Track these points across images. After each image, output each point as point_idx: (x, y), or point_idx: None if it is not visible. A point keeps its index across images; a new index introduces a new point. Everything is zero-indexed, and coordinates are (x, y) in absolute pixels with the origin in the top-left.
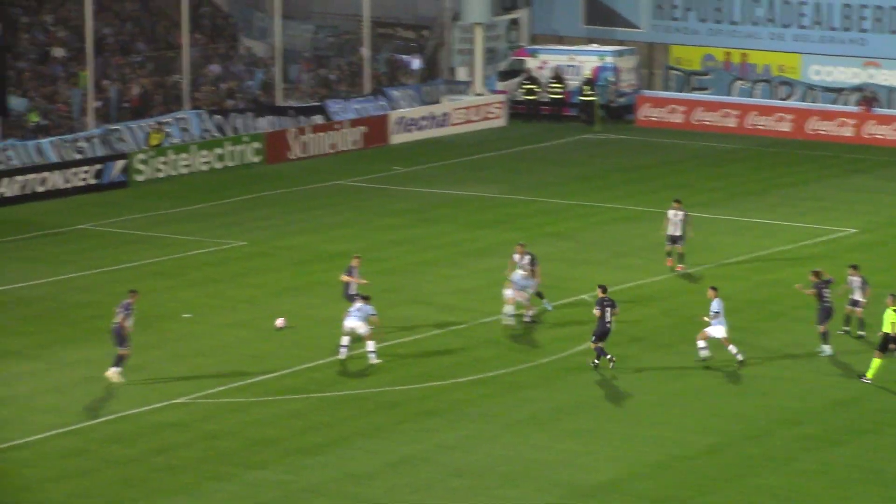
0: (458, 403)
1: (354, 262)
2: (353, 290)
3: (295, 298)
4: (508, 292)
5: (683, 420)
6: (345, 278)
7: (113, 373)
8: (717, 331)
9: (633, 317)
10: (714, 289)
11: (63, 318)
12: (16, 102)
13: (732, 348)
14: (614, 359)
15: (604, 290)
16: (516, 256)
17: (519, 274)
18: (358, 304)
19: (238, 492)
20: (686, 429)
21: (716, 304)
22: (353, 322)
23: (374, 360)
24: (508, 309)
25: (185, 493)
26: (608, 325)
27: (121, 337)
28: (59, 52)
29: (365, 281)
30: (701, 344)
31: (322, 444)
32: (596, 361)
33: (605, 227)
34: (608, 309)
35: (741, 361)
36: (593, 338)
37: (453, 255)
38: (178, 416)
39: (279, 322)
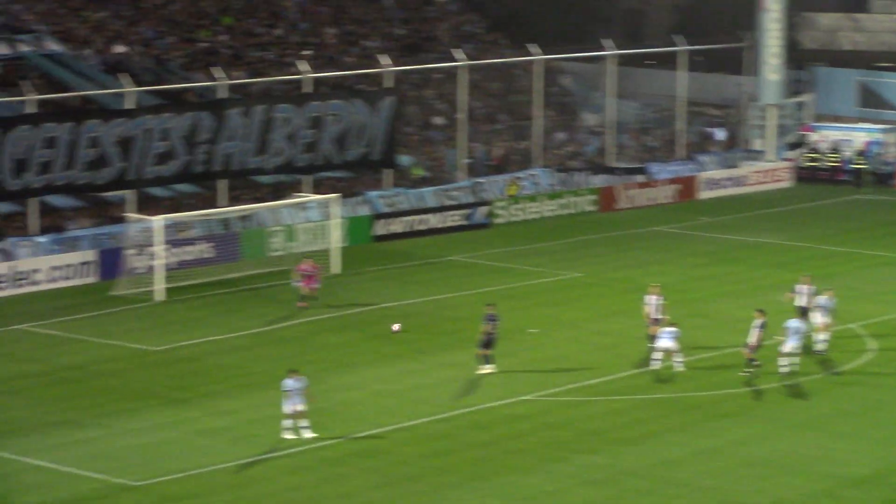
0: (748, 407)
1: (653, 291)
2: (657, 315)
3: (620, 320)
4: (818, 318)
5: None
6: (648, 309)
7: (488, 368)
8: None
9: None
10: None
11: (436, 329)
12: (404, 159)
13: None
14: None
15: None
16: (804, 287)
17: (823, 299)
18: (669, 329)
19: (572, 472)
20: None
21: None
22: (666, 342)
23: (679, 368)
24: (820, 336)
25: (529, 472)
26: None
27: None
28: (438, 120)
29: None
30: None
31: (639, 437)
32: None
33: (870, 271)
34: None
35: None
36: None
37: (747, 289)
38: (524, 410)
39: (395, 327)
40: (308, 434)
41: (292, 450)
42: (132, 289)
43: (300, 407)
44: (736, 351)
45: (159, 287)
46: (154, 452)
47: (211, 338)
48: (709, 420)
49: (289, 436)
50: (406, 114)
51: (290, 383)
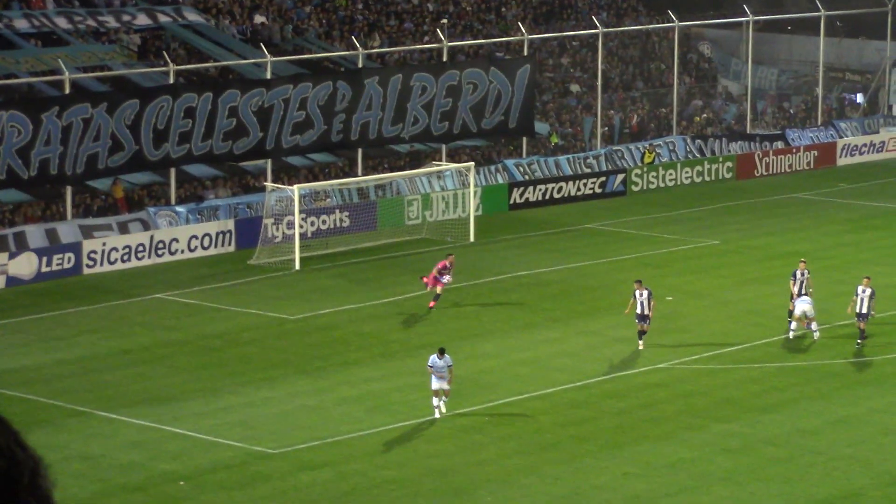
0: (886, 376)
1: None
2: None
3: (757, 287)
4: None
5: None
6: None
7: (640, 344)
8: None
9: None
10: None
11: (573, 297)
12: (540, 127)
13: None
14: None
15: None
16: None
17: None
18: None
19: (708, 440)
20: None
21: None
22: (802, 307)
23: (816, 336)
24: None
25: (665, 440)
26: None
27: (642, 316)
28: (575, 87)
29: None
30: None
31: (775, 405)
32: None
33: None
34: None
35: None
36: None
37: (885, 256)
38: (660, 378)
39: (448, 278)
40: (443, 410)
41: (429, 418)
42: (270, 258)
43: (445, 385)
44: (881, 316)
45: (296, 256)
46: (291, 420)
47: (347, 307)
48: (847, 388)
49: (437, 414)
50: (543, 82)
51: (435, 360)
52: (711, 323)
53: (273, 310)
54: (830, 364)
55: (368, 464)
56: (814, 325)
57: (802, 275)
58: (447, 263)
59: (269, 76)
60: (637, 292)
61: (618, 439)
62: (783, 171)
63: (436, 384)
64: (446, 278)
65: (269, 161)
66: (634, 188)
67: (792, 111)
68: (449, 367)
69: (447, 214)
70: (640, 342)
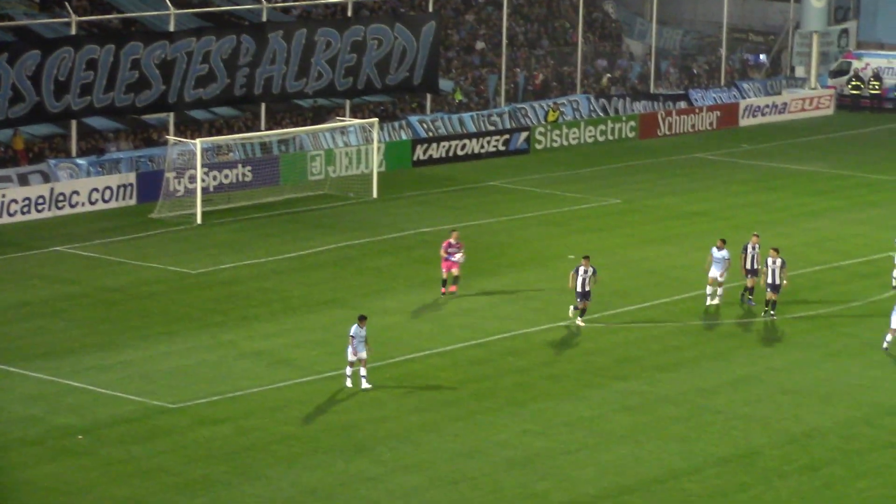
0: (786, 335)
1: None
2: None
3: (659, 247)
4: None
5: None
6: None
7: (579, 321)
8: None
9: None
10: None
11: (476, 255)
12: (444, 84)
13: None
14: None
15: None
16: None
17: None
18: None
19: (608, 398)
20: None
21: None
22: (717, 272)
23: (717, 301)
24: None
25: (566, 398)
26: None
27: (583, 292)
28: (479, 45)
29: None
30: None
31: (675, 364)
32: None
33: None
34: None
35: None
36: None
37: (787, 217)
38: (560, 336)
39: (459, 256)
40: (366, 385)
41: (328, 374)
42: (171, 212)
43: (363, 354)
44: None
45: (198, 210)
46: (192, 375)
47: (249, 262)
48: (745, 348)
49: (348, 383)
50: (448, 39)
51: (357, 330)
52: (612, 282)
53: (174, 264)
54: (730, 324)
55: (268, 419)
56: (720, 291)
57: (754, 249)
58: (451, 241)
59: (172, 29)
60: (582, 268)
61: (518, 397)
62: (686, 130)
63: (352, 356)
64: (457, 256)
65: (172, 114)
66: (538, 146)
67: (695, 71)
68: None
69: (350, 170)
70: (579, 320)
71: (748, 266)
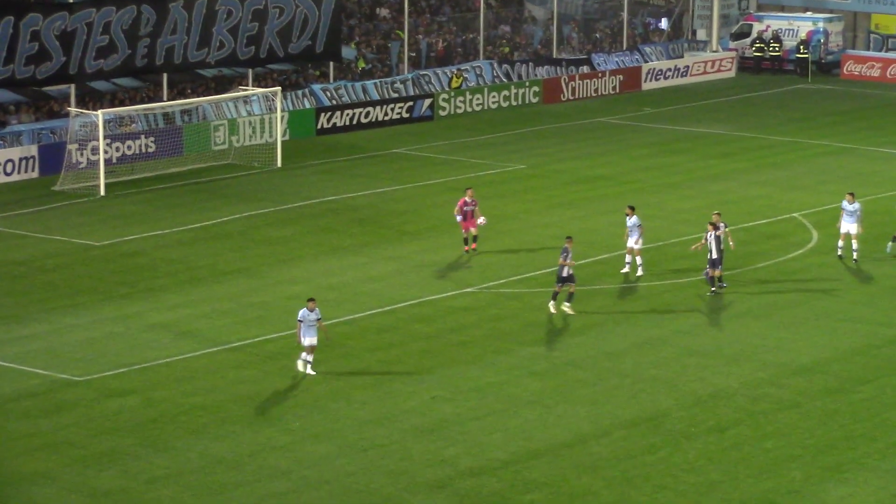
0: (691, 298)
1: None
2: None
3: (563, 211)
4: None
5: (875, 315)
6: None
7: (567, 307)
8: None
9: (835, 232)
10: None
11: (381, 222)
12: (347, 52)
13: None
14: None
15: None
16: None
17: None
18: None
19: (515, 363)
20: (877, 323)
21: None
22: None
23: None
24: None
25: (473, 364)
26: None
27: (566, 276)
28: (383, 11)
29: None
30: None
31: (581, 328)
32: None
33: (813, 160)
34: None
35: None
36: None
37: (691, 180)
38: (468, 302)
39: (481, 220)
40: (310, 371)
41: (235, 344)
42: (74, 184)
43: (313, 340)
44: (679, 241)
45: (101, 182)
46: (98, 348)
47: (154, 232)
48: (651, 311)
49: (300, 367)
50: (349, 6)
51: (306, 313)
52: (519, 246)
53: (78, 236)
54: (636, 287)
55: (176, 390)
56: (639, 259)
57: (722, 231)
58: (467, 199)
59: (71, 0)
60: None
61: (426, 363)
62: (589, 95)
63: (306, 340)
64: (480, 220)
65: (73, 86)
66: (442, 113)
67: (598, 36)
68: (318, 319)
69: (254, 139)
70: (568, 306)
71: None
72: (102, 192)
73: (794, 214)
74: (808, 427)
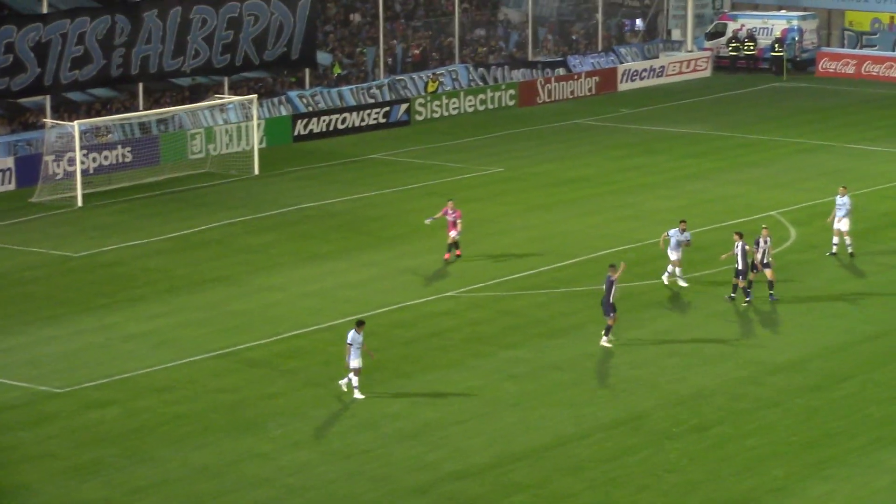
0: (670, 297)
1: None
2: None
3: (542, 214)
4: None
5: (853, 312)
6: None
7: (604, 341)
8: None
9: (813, 229)
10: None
11: (359, 228)
12: (322, 58)
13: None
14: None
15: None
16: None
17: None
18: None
19: (496, 367)
20: (857, 319)
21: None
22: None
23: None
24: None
25: (453, 368)
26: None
27: (608, 307)
28: (357, 17)
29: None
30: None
31: (561, 330)
32: (732, 296)
33: (790, 158)
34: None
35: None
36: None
37: (668, 180)
38: (448, 307)
39: (453, 234)
40: (358, 395)
41: (216, 352)
42: (51, 195)
43: (357, 363)
44: (656, 242)
45: (79, 193)
46: (78, 359)
47: (132, 242)
48: (633, 311)
49: (344, 388)
50: (324, 12)
51: (355, 336)
52: (497, 250)
53: (56, 247)
54: (618, 287)
55: (157, 400)
56: (678, 270)
57: (766, 242)
58: (448, 210)
59: (45, 11)
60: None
61: (406, 368)
62: (565, 97)
63: (354, 362)
64: (455, 227)
65: (49, 97)
66: (418, 117)
67: (573, 38)
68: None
69: (231, 147)
70: (605, 338)
71: (762, 259)
72: (80, 203)
73: (771, 213)
74: (789, 425)
